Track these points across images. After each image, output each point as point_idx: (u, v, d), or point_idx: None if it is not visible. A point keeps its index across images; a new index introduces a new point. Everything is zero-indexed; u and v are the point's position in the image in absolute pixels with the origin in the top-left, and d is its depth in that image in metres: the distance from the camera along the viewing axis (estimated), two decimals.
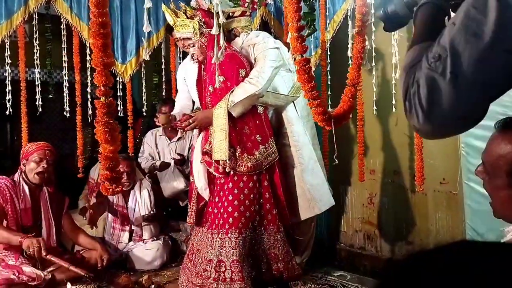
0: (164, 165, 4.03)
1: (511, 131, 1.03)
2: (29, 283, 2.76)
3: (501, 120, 1.07)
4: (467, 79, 0.70)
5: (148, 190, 3.61)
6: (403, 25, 1.08)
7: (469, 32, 0.70)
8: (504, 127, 1.05)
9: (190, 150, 3.60)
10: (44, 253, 2.74)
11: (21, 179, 3.03)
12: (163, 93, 4.30)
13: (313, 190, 2.96)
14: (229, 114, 2.64)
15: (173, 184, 3.76)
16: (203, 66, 2.86)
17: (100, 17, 1.44)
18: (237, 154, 2.67)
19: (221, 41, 2.28)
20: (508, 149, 1.00)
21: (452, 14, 0.88)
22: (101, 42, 1.44)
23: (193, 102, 3.23)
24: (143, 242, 3.47)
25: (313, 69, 3.52)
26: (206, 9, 2.77)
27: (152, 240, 3.49)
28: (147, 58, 3.74)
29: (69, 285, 2.74)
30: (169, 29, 3.34)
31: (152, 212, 3.54)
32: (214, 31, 2.22)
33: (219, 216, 2.66)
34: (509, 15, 0.66)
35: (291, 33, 2.07)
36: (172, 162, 3.91)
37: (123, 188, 3.54)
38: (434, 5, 0.89)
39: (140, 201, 3.55)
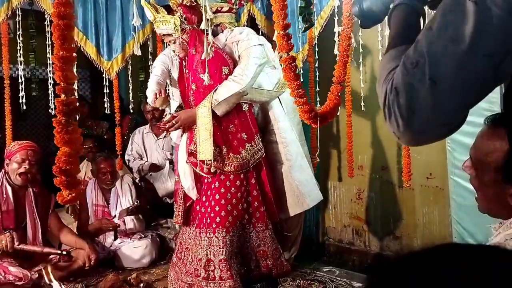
0: (154, 166, 4.02)
1: (500, 127, 1.02)
2: (16, 282, 2.72)
3: (491, 116, 1.06)
4: (446, 85, 0.69)
5: (129, 184, 3.61)
6: (379, 22, 1.06)
7: (447, 37, 0.68)
8: (493, 123, 1.04)
9: (174, 148, 3.59)
10: (16, 243, 2.74)
11: (4, 179, 2.98)
12: None
13: (301, 186, 2.97)
14: (213, 113, 2.60)
15: (167, 184, 3.81)
16: (184, 63, 2.80)
17: (59, 7, 1.34)
18: (223, 154, 2.64)
19: (210, 37, 2.25)
20: (496, 145, 0.99)
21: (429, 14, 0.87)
22: (58, 34, 1.34)
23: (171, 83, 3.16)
24: (130, 240, 3.45)
25: (301, 65, 3.53)
26: (193, 3, 2.71)
27: (140, 238, 3.47)
28: (139, 53, 3.69)
29: (55, 284, 2.70)
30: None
31: (135, 203, 3.53)
32: (203, 25, 2.19)
33: (206, 215, 2.65)
34: (487, 19, 0.65)
35: (277, 31, 2.06)
36: (167, 162, 3.94)
37: (105, 187, 3.53)
38: (408, 7, 0.87)
39: (122, 196, 3.54)
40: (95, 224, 3.45)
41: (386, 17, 0.94)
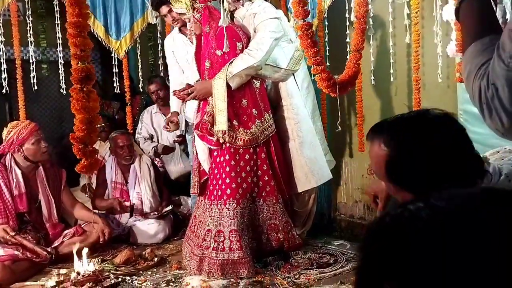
0: (166, 149, 4.03)
1: (377, 136, 1.08)
2: (34, 259, 2.79)
3: (370, 129, 1.13)
4: None
5: (148, 165, 3.62)
6: None
7: None
8: (373, 133, 1.10)
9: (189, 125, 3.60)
10: (12, 233, 2.79)
11: (12, 163, 2.97)
12: (160, 70, 4.26)
13: (310, 163, 2.97)
14: (227, 86, 2.63)
15: (180, 167, 3.87)
16: (202, 39, 2.85)
17: None
18: (234, 128, 2.67)
19: (225, 3, 2.29)
20: (377, 153, 1.05)
21: None
22: (70, 0, 1.36)
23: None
24: (143, 218, 3.49)
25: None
26: None
27: (154, 215, 3.51)
28: (154, 21, 3.66)
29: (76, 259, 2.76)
30: (156, 5, 3.29)
31: (170, 207, 3.55)
32: None
33: (217, 187, 2.69)
34: None
35: None
36: (176, 145, 3.95)
37: (125, 163, 3.55)
38: None
39: (140, 177, 3.55)
40: (108, 203, 3.50)
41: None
